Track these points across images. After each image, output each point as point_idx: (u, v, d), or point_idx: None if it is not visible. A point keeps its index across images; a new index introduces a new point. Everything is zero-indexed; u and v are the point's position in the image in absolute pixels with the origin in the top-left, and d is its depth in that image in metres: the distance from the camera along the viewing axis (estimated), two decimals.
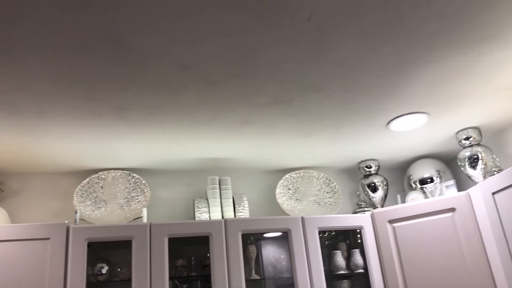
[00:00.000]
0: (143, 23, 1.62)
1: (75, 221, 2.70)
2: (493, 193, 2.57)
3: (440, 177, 3.26)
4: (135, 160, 2.98)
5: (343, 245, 3.14)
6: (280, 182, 3.34)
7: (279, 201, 3.25)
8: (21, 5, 1.47)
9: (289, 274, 2.89)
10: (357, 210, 3.35)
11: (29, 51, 1.72)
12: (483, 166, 2.95)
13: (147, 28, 1.65)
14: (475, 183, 3.00)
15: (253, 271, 2.91)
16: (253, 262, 2.92)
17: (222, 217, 2.97)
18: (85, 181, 2.98)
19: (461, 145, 3.06)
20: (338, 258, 3.04)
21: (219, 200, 3.01)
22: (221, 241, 2.72)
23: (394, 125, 2.76)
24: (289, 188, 3.37)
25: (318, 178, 3.43)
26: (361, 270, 3.00)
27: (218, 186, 3.05)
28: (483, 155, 2.96)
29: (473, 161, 2.97)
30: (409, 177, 3.39)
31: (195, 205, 2.99)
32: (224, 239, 2.74)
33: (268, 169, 3.46)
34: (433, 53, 2.02)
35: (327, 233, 3.19)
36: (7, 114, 2.20)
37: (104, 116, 2.32)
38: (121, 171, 3.06)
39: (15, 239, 2.45)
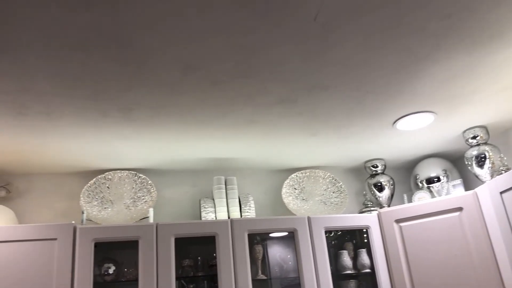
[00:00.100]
0: (147, 23, 1.62)
1: (82, 221, 2.71)
2: (501, 193, 2.54)
3: (447, 176, 3.24)
4: (141, 160, 2.99)
5: (349, 245, 3.12)
6: (286, 182, 3.34)
7: (285, 201, 3.25)
8: (26, 5, 1.48)
9: (295, 274, 2.89)
10: (364, 209, 3.34)
11: (33, 51, 1.73)
12: (490, 165, 2.93)
13: (151, 28, 1.65)
14: (483, 182, 2.98)
15: (260, 271, 2.90)
16: (259, 262, 2.92)
17: (228, 217, 2.97)
18: (92, 181, 3.00)
19: (468, 144, 3.04)
20: (344, 258, 3.03)
21: (225, 200, 3.01)
22: (227, 241, 2.72)
23: (401, 124, 2.75)
24: (295, 188, 3.36)
25: (324, 178, 3.42)
26: (368, 270, 2.99)
27: (224, 186, 3.06)
28: (490, 154, 2.93)
29: (480, 160, 2.95)
30: (415, 176, 3.37)
31: (201, 205, 2.99)
32: (231, 239, 2.74)
33: (274, 168, 3.45)
34: (439, 52, 2.01)
35: (333, 233, 3.18)
36: (13, 114, 2.22)
37: (109, 116, 2.33)
38: (127, 171, 3.07)
39: (22, 239, 2.47)
